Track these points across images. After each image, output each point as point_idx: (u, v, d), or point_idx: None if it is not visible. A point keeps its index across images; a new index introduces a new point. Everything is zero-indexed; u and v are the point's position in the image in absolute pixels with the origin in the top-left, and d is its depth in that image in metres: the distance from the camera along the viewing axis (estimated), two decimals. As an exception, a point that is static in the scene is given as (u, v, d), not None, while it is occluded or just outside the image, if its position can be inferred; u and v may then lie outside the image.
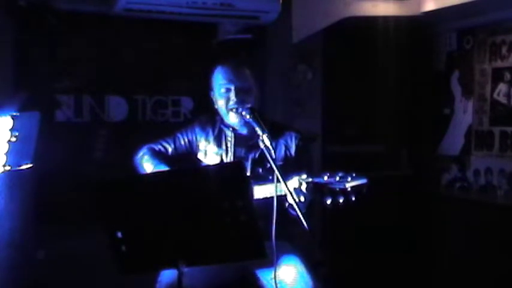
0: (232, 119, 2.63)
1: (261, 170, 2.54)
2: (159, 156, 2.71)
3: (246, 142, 2.65)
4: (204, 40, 4.02)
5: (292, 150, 2.69)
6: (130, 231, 2.03)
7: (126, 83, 3.92)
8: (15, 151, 2.45)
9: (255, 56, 4.10)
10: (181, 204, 1.99)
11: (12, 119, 2.40)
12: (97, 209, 2.02)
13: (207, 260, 2.12)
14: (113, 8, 3.58)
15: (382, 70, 4.53)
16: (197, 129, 2.76)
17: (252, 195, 2.05)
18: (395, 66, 4.56)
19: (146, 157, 2.70)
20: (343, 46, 4.42)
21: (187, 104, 4.11)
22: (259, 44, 4.15)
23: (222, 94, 2.63)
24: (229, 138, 2.70)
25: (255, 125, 2.45)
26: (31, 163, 2.61)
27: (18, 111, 2.48)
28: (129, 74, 3.91)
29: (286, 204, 2.44)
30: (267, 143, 2.36)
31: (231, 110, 2.60)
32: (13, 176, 2.76)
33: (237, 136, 2.69)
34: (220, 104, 2.65)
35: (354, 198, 2.31)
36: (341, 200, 2.31)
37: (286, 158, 2.68)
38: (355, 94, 4.51)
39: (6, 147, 2.41)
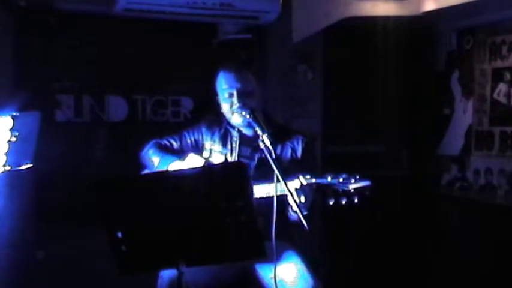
0: (236, 119, 2.67)
1: (266, 171, 2.55)
2: (166, 149, 2.74)
3: (251, 142, 2.67)
4: (204, 40, 4.02)
5: (299, 154, 2.72)
6: (131, 231, 2.03)
7: (126, 83, 3.92)
8: (15, 151, 2.45)
9: (255, 56, 4.10)
10: (181, 204, 1.99)
11: (12, 119, 2.40)
12: (97, 209, 2.02)
13: (207, 260, 2.12)
14: (113, 8, 3.58)
15: (382, 70, 4.53)
16: (204, 129, 2.80)
17: (252, 195, 2.05)
18: (395, 66, 4.56)
19: (152, 150, 2.73)
20: (343, 46, 4.41)
21: (187, 104, 4.11)
22: (259, 44, 4.15)
23: (226, 99, 2.67)
24: (234, 139, 2.73)
25: (255, 125, 2.50)
26: (31, 163, 2.61)
27: (18, 111, 2.48)
28: (129, 74, 3.91)
29: (288, 209, 2.45)
30: (267, 142, 2.39)
31: (235, 112, 2.63)
32: (13, 176, 2.76)
33: (243, 136, 2.73)
34: (224, 108, 2.70)
35: (356, 201, 2.32)
36: (344, 202, 2.32)
37: (292, 160, 2.70)
38: (355, 94, 4.51)
39: (6, 147, 2.42)
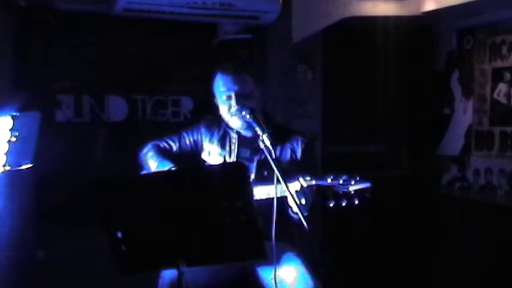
0: (235, 123, 2.66)
1: (266, 173, 2.55)
2: (163, 153, 2.72)
3: (250, 144, 2.66)
4: (204, 40, 4.02)
5: (298, 154, 2.71)
6: (131, 231, 2.03)
7: (126, 83, 3.92)
8: (15, 151, 2.45)
9: (255, 56, 4.10)
10: (181, 204, 1.99)
11: (12, 119, 2.40)
12: (97, 209, 2.02)
13: (207, 260, 2.12)
14: (113, 8, 3.58)
15: (382, 70, 4.53)
16: (203, 129, 2.78)
17: (252, 195, 2.05)
18: (395, 66, 4.56)
19: (150, 154, 2.71)
20: (343, 46, 4.41)
21: (187, 104, 4.11)
22: (259, 44, 4.15)
23: (224, 101, 2.65)
24: (233, 140, 2.72)
25: (255, 125, 2.48)
26: (31, 163, 2.61)
27: (18, 111, 2.48)
28: (129, 74, 3.91)
29: (289, 209, 2.44)
30: (267, 143, 2.38)
31: (233, 115, 2.62)
32: (13, 176, 2.76)
33: (242, 138, 2.71)
34: (222, 110, 2.68)
35: (356, 202, 2.32)
36: (344, 204, 2.32)
37: (292, 161, 2.69)
38: (355, 94, 4.51)
39: (6, 147, 2.42)
